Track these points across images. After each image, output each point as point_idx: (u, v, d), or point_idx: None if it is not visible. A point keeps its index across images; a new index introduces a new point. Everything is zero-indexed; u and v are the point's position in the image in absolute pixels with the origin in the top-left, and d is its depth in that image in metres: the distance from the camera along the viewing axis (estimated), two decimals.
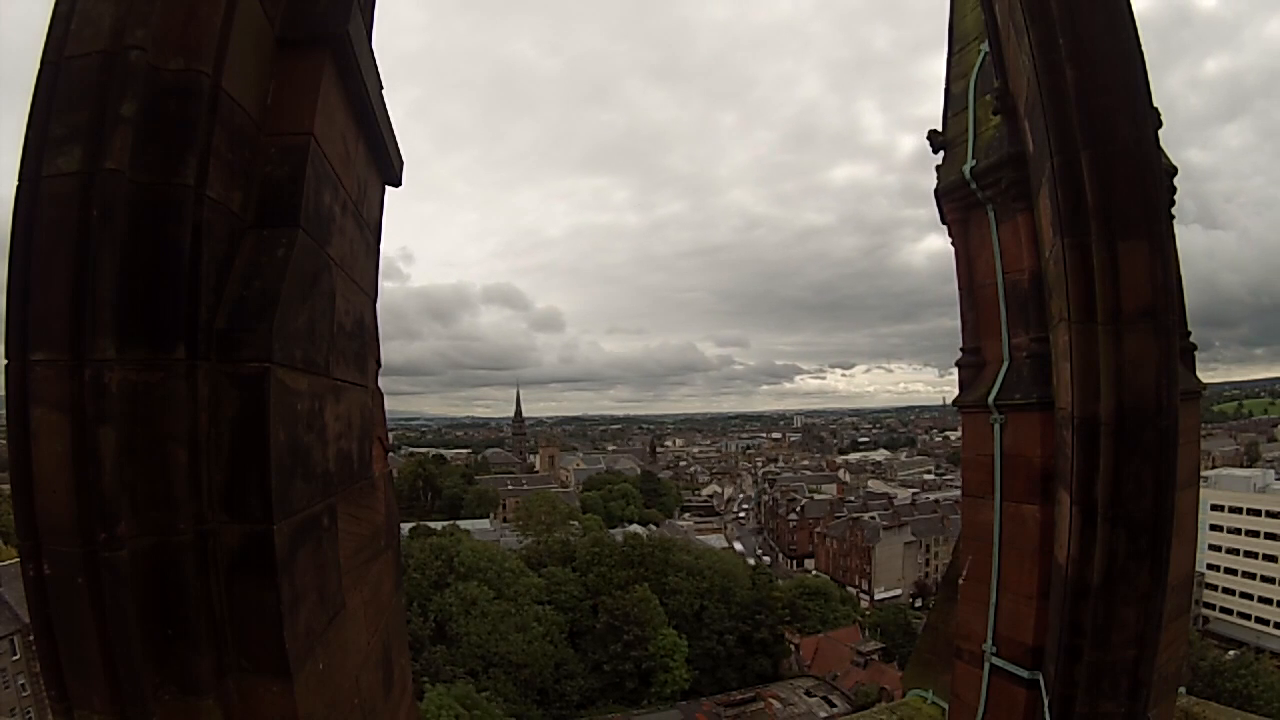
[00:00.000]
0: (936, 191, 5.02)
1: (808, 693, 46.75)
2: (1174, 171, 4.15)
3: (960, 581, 4.73)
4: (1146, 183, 2.93)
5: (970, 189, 4.62)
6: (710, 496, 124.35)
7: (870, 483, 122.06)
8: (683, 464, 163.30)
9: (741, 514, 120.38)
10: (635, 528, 69.82)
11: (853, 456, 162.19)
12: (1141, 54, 2.94)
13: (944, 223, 5.09)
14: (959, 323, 4.96)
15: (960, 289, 4.93)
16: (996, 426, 4.39)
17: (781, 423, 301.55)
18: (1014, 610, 4.20)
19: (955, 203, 4.86)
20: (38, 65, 1.76)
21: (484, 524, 73.86)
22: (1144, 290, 2.90)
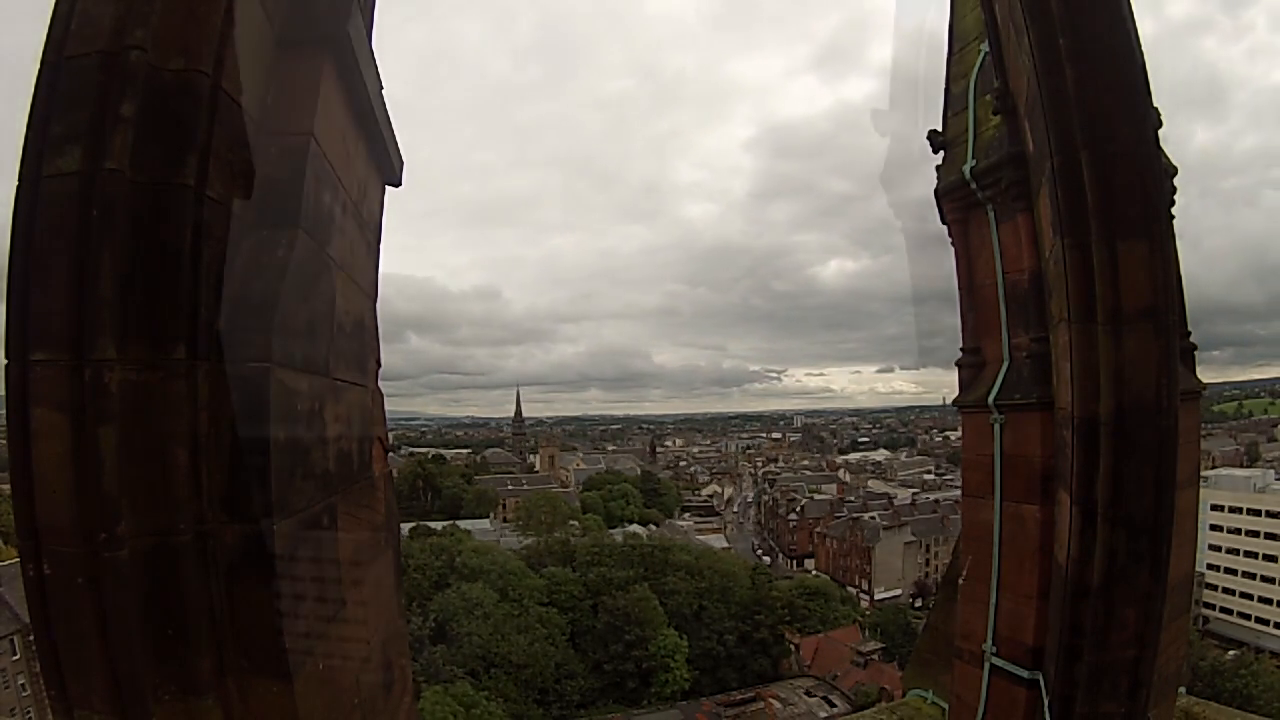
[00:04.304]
0: (936, 191, 5.02)
1: (808, 693, 46.73)
2: (1174, 171, 4.15)
3: (960, 581, 4.73)
4: (1146, 183, 2.92)
5: (970, 189, 4.62)
6: (710, 496, 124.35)
7: (870, 483, 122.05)
8: (683, 464, 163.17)
9: (742, 516, 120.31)
10: (635, 528, 69.87)
11: (853, 456, 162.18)
12: (1141, 54, 2.94)
13: (944, 223, 5.08)
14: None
15: (960, 289, 4.92)
16: (996, 426, 4.38)
17: (781, 423, 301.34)
18: (1014, 610, 4.20)
19: (955, 203, 4.85)
20: (38, 65, 1.76)
21: (484, 524, 73.86)
22: (1144, 290, 2.90)
